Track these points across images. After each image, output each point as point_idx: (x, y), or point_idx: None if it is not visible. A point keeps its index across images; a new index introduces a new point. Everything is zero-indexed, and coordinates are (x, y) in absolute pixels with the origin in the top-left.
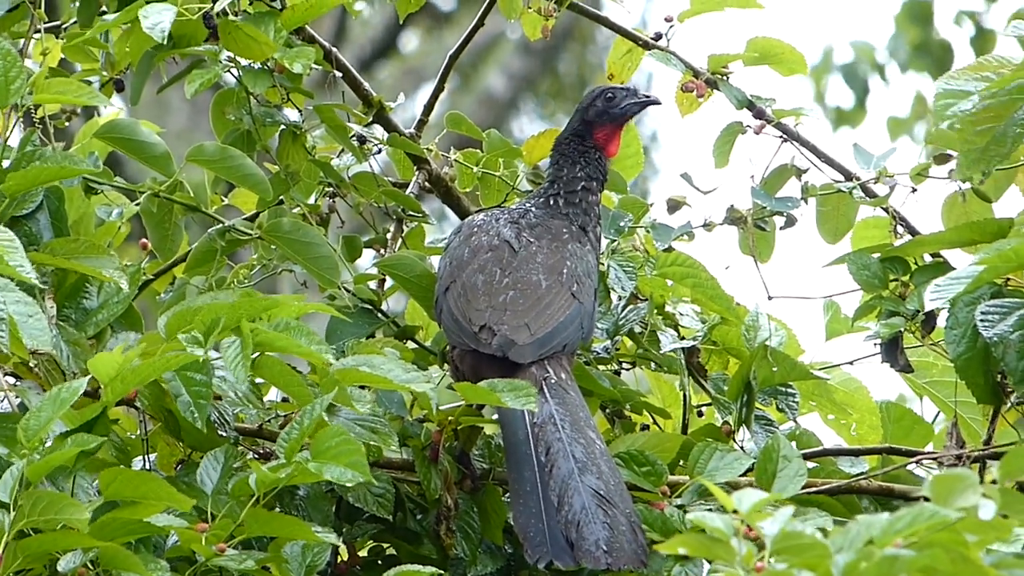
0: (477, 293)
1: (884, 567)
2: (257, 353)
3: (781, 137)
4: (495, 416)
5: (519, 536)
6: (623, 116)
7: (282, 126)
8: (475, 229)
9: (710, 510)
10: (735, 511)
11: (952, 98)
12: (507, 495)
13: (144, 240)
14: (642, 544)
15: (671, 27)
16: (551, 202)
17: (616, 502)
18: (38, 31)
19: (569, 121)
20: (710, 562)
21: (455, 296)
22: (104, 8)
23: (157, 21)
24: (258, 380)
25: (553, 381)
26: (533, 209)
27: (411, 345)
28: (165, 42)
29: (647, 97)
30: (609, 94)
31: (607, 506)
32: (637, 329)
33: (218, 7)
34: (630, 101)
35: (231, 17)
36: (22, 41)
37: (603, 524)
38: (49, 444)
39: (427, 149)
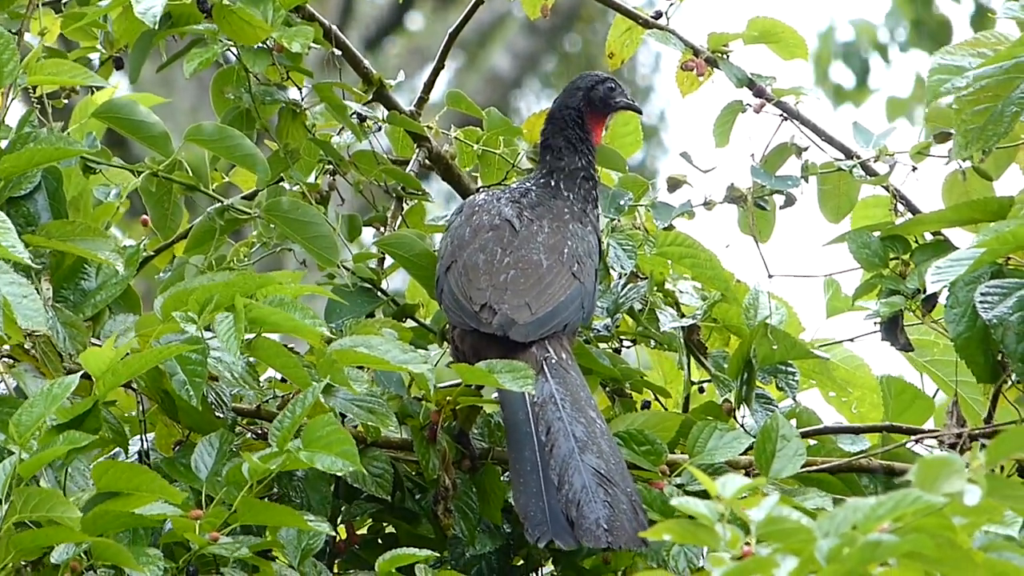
0: (478, 272)
1: (867, 552)
2: (252, 335)
3: (781, 116)
4: (494, 396)
5: (519, 515)
6: (614, 109)
7: (281, 104)
8: (476, 209)
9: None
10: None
11: (947, 74)
12: (506, 475)
13: (145, 216)
14: (643, 523)
15: (671, 5)
16: (551, 183)
17: (617, 481)
18: (36, 7)
19: (568, 96)
20: None
21: (456, 275)
22: None
23: (149, 6)
24: (254, 360)
25: (554, 361)
26: (534, 189)
27: (411, 324)
28: (157, 27)
29: (632, 102)
30: (611, 84)
31: (608, 485)
32: (637, 307)
33: None
34: (623, 98)
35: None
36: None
37: (604, 503)
38: (42, 436)
39: (427, 127)
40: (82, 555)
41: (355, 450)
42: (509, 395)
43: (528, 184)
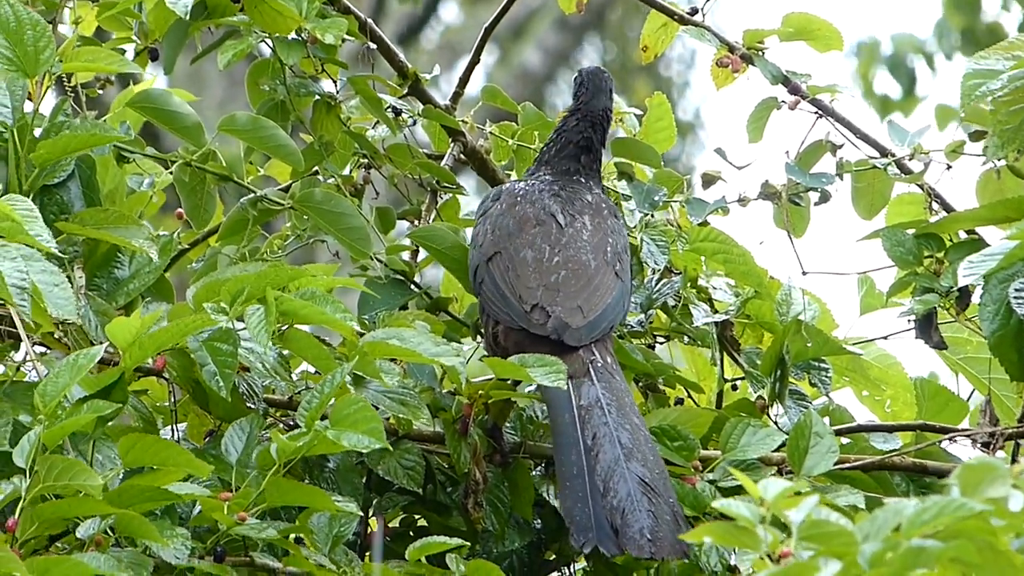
0: (527, 269)
1: (911, 557)
2: (285, 326)
3: (816, 113)
4: (530, 389)
5: (565, 520)
6: None
7: (316, 97)
8: (518, 199)
9: (742, 487)
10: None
11: (981, 78)
12: (537, 470)
13: (180, 210)
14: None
15: (707, 1)
16: (583, 180)
17: (660, 491)
18: None
19: (607, 97)
20: None
21: (502, 269)
22: None
23: None
24: (287, 352)
25: (600, 364)
26: (571, 184)
27: (443, 317)
28: (188, 17)
29: None
30: None
31: (652, 494)
32: (671, 303)
33: None
34: None
35: None
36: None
37: (648, 512)
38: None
39: (462, 121)
40: (108, 530)
41: (381, 428)
42: (555, 398)
43: (564, 178)
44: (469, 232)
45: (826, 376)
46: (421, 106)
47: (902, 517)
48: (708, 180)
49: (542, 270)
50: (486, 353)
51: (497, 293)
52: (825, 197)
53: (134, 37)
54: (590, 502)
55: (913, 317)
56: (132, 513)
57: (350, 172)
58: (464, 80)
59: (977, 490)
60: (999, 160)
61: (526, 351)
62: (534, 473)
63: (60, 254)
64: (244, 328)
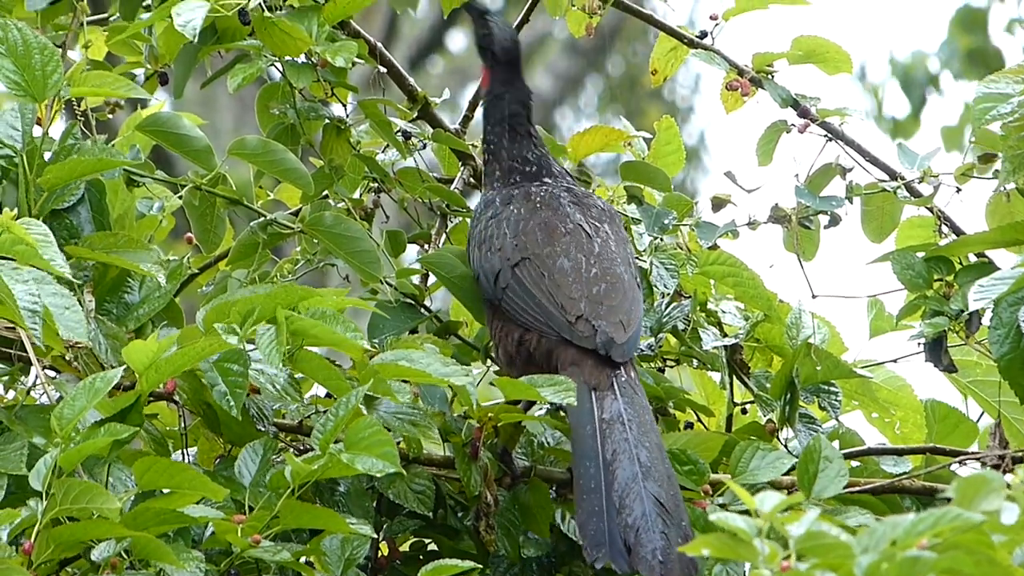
0: (567, 279)
1: (905, 568)
2: (295, 348)
3: (826, 136)
4: (539, 412)
5: (579, 532)
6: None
7: (326, 121)
8: (539, 204)
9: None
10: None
11: (992, 102)
12: (553, 490)
13: (189, 235)
14: (694, 559)
15: (716, 25)
16: (567, 178)
17: (674, 513)
18: (82, 24)
19: (513, 75)
20: None
21: (535, 276)
22: (148, 1)
23: (189, 19)
24: (298, 376)
25: (624, 379)
26: (572, 185)
27: (453, 341)
28: (197, 40)
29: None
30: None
31: (666, 516)
32: (680, 326)
33: (253, 3)
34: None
35: (268, 13)
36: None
37: (661, 534)
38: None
39: (472, 145)
40: (122, 553)
41: (396, 452)
42: (578, 409)
43: (564, 182)
44: None
45: (836, 399)
46: (431, 130)
47: (900, 531)
48: (718, 203)
49: (582, 281)
50: (500, 362)
51: (531, 301)
52: (835, 220)
53: (144, 61)
54: (605, 517)
55: (923, 340)
56: (147, 536)
57: (360, 196)
58: (474, 104)
59: (973, 503)
60: (1010, 184)
61: (554, 360)
62: (550, 494)
63: (75, 278)
64: (255, 349)
